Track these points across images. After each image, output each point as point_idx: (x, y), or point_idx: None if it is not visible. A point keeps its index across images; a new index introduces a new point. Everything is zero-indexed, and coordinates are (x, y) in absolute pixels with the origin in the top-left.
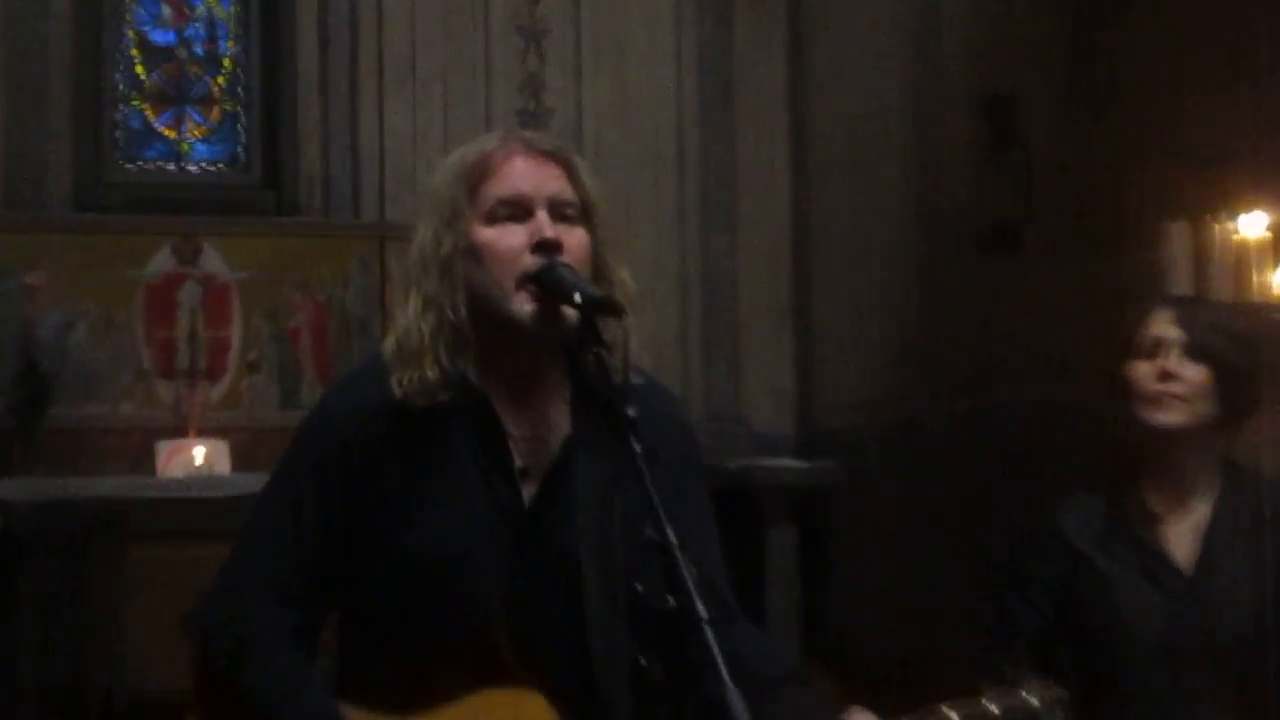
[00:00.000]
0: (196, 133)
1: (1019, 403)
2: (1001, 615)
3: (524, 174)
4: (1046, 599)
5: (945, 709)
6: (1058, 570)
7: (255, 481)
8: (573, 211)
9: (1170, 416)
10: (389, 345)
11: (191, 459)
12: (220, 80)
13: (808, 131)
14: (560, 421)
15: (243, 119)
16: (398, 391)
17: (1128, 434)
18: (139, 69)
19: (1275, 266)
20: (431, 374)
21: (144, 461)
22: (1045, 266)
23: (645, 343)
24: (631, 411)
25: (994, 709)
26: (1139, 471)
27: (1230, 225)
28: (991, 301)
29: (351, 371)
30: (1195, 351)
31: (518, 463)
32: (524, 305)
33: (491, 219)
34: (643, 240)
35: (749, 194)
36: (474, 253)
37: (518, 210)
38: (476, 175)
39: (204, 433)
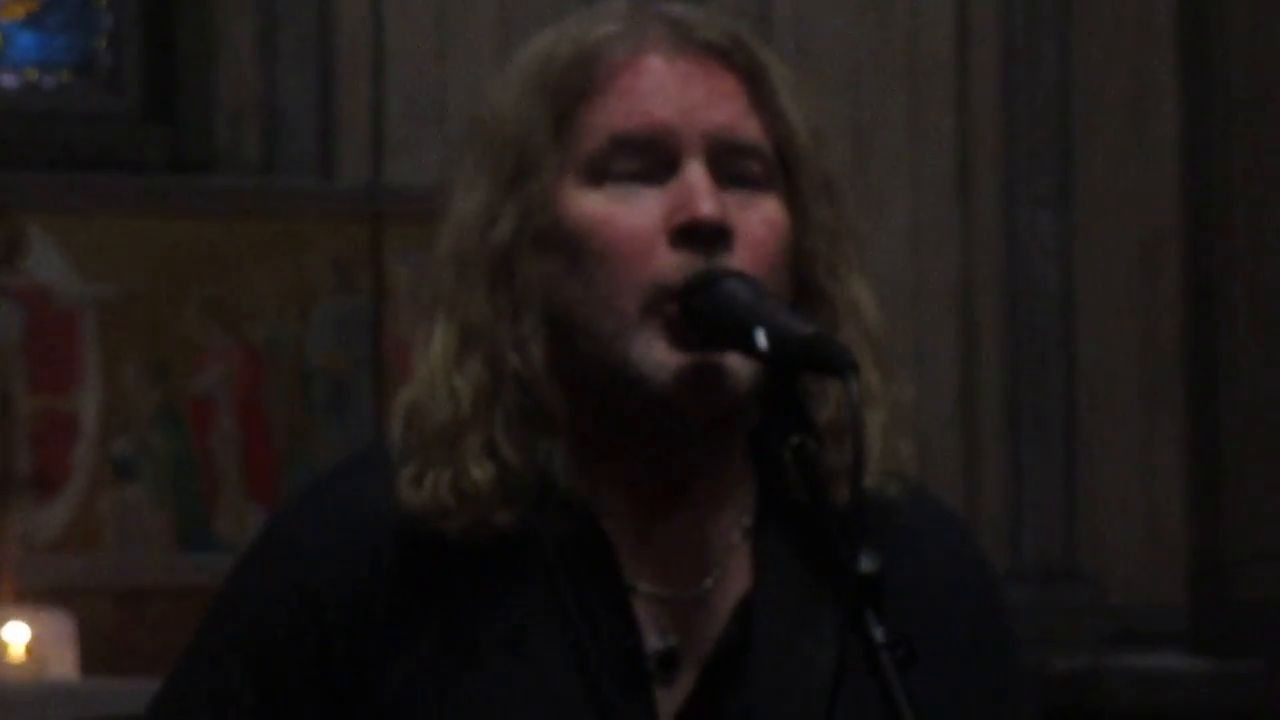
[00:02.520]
0: (14, 11)
1: None
2: None
3: (664, 88)
4: None
5: None
6: None
7: (129, 693)
8: (757, 166)
9: None
10: (401, 418)
11: (1, 647)
12: None
13: (1211, 30)
14: (731, 566)
15: None
16: (415, 503)
17: None
18: None
19: None
20: (480, 473)
21: None
22: None
23: (902, 425)
24: (869, 564)
25: None
26: None
27: None
28: None
29: (333, 472)
30: None
31: (651, 644)
32: (660, 349)
33: (598, 175)
34: (891, 225)
35: (1095, 143)
36: (563, 240)
37: (651, 160)
38: (571, 89)
39: (26, 597)
